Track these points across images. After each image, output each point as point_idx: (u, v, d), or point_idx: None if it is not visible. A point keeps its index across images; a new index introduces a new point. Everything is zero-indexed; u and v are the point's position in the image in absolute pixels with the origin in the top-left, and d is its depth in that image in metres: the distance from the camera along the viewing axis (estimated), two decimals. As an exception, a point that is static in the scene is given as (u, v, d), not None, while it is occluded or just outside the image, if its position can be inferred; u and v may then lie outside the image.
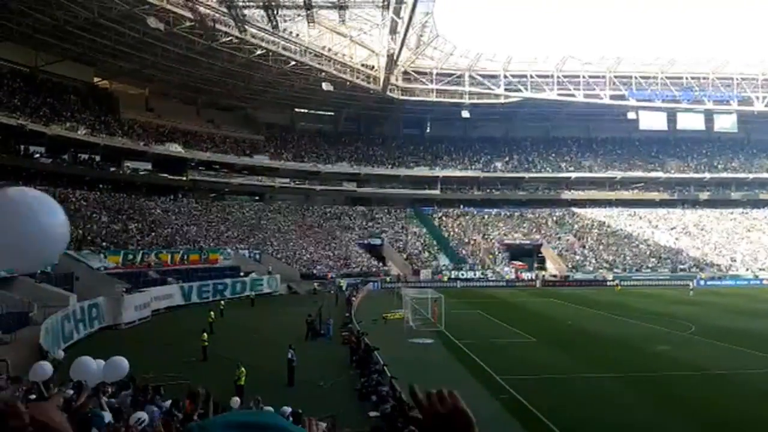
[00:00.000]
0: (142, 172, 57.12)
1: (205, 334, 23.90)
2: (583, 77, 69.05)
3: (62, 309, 26.47)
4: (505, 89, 68.91)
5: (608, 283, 57.44)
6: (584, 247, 67.21)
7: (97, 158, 53.74)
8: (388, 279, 56.68)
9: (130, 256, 41.00)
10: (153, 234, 48.43)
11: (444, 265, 61.86)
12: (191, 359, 22.04)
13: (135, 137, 56.70)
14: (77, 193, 49.14)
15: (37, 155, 48.76)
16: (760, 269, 62.03)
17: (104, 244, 41.84)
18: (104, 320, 29.74)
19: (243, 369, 17.10)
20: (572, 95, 69.26)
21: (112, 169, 54.99)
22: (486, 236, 68.53)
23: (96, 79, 59.41)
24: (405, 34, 53.38)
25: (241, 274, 47.56)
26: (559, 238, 68.66)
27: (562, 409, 15.91)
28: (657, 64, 70.07)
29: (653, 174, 75.50)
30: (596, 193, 75.38)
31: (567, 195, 75.13)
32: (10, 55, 49.96)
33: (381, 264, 61.64)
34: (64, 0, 41.50)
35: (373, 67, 63.35)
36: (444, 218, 71.88)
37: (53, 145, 49.54)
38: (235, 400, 11.96)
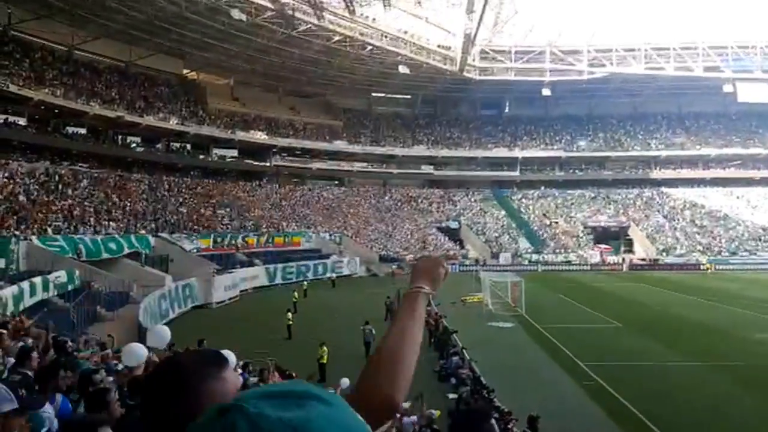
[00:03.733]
0: (229, 159, 59.78)
1: (289, 314, 24.87)
2: (674, 49, 64.95)
3: (159, 288, 28.30)
4: (589, 65, 66.05)
5: (702, 267, 54.37)
6: (675, 229, 63.81)
7: (188, 146, 56.75)
8: (467, 262, 56.33)
9: (220, 239, 43.08)
10: (240, 218, 50.60)
11: (524, 249, 60.72)
12: (277, 337, 22.97)
13: (222, 126, 59.16)
14: (170, 179, 52.03)
15: (134, 145, 52.12)
16: None
17: (195, 227, 44.18)
18: (197, 299, 31.50)
19: (325, 348, 17.65)
20: (661, 68, 65.40)
21: (202, 156, 57.92)
22: (569, 219, 66.53)
23: (185, 71, 62.27)
24: (482, 13, 52.29)
25: (331, 256, 49.06)
26: (648, 220, 65.54)
27: (650, 397, 15.33)
28: (757, 32, 64.77)
29: (753, 150, 70.06)
30: (689, 172, 71.08)
31: (656, 174, 71.37)
32: (107, 51, 53.20)
33: (459, 247, 61.35)
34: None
35: (449, 47, 62.56)
36: (524, 200, 70.34)
37: (148, 135, 52.83)
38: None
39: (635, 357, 19.99)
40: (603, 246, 61.76)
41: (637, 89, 72.56)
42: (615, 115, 75.86)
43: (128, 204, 43.05)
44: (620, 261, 58.53)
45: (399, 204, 67.26)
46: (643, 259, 59.32)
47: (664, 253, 59.43)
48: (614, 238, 64.41)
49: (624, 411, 14.44)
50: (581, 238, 63.32)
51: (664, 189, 70.18)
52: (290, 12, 48.54)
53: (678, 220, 65.22)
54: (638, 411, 14.26)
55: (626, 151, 72.54)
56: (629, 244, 64.09)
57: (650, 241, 61.80)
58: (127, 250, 33.43)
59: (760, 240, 60.35)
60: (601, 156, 72.46)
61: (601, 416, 14.24)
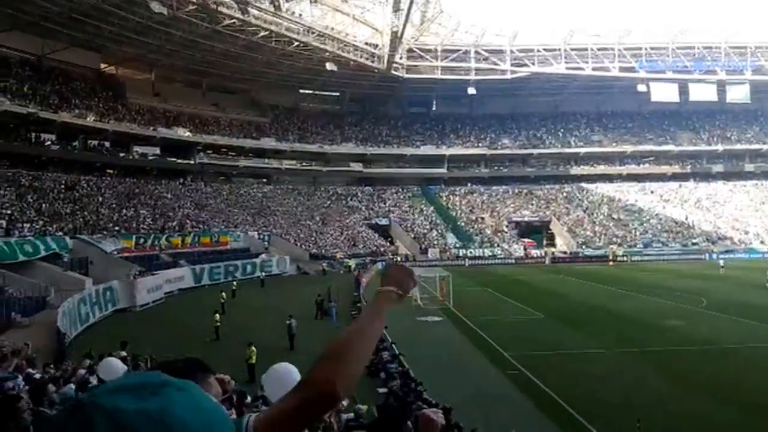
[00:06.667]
0: (150, 157, 57.52)
1: (217, 315, 24.32)
2: (592, 50, 68.24)
3: (78, 292, 26.98)
4: (512, 64, 68.28)
5: (618, 259, 57.42)
6: (594, 222, 67.03)
7: (107, 144, 54.16)
8: (399, 258, 56.90)
9: (142, 240, 41.49)
10: (164, 218, 48.91)
11: (452, 244, 62.02)
12: (204, 339, 22.43)
13: (143, 122, 56.96)
14: (88, 178, 49.63)
15: (48, 142, 49.28)
16: (774, 242, 61.40)
17: (116, 228, 42.33)
18: (119, 303, 30.25)
19: (253, 348, 17.40)
20: (580, 68, 68.52)
21: (122, 154, 55.42)
22: (494, 214, 68.50)
23: (103, 66, 59.50)
24: (409, 11, 53.01)
25: (260, 255, 48.22)
26: (569, 215, 68.49)
27: (572, 384, 15.97)
28: (668, 34, 69.02)
29: (664, 147, 74.72)
30: (606, 168, 74.88)
31: (576, 170, 74.74)
32: (17, 44, 50.05)
33: (389, 244, 61.92)
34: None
35: (377, 45, 62.96)
36: (451, 197, 71.84)
37: (63, 132, 50.08)
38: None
39: (556, 346, 20.86)
40: (527, 240, 64.05)
41: (557, 88, 75.68)
42: (537, 114, 78.76)
43: (44, 205, 40.79)
44: (543, 254, 60.87)
45: (329, 202, 67.05)
46: (564, 252, 61.98)
47: (584, 246, 62.29)
48: (537, 232, 66.97)
49: (546, 398, 15.05)
50: (506, 232, 65.36)
51: (583, 184, 73.58)
52: (214, 6, 47.33)
53: (596, 214, 68.53)
54: (559, 397, 14.90)
55: (547, 148, 75.52)
56: (551, 237, 66.82)
57: (570, 235, 64.62)
58: (43, 253, 31.72)
59: (671, 232, 64.35)
60: (524, 153, 75.09)
61: (526, 403, 14.79)
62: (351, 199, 68.66)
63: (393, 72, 65.30)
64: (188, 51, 55.45)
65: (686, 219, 66.45)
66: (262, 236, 53.18)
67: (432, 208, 69.19)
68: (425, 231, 64.65)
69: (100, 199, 47.09)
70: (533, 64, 68.16)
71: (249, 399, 10.00)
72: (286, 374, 3.12)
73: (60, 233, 36.28)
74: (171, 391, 0.74)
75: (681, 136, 76.26)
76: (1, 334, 20.11)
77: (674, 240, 63.01)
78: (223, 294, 30.76)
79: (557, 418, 13.66)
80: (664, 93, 71.20)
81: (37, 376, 9.92)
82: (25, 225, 35.81)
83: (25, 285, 26.59)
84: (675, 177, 74.22)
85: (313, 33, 56.32)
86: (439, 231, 64.79)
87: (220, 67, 60.81)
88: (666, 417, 13.33)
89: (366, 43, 62.34)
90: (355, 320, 1.52)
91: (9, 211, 36.93)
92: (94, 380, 9.67)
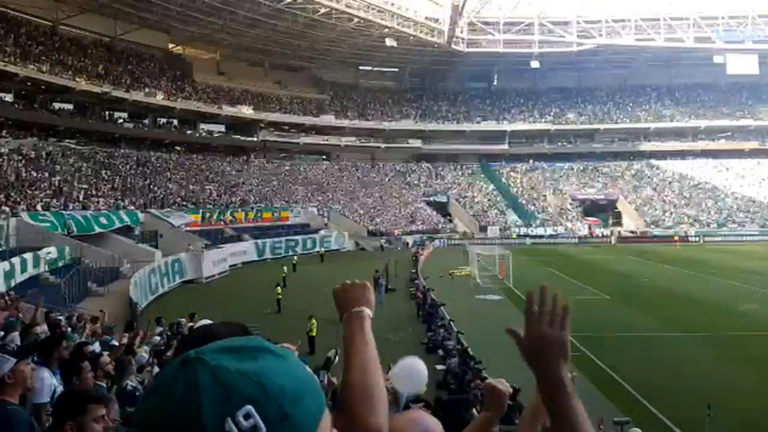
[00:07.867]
0: (216, 134, 59.32)
1: (278, 288, 24.97)
2: (664, 19, 64.61)
3: (149, 264, 28.26)
4: (578, 36, 65.64)
5: (691, 239, 54.85)
6: (664, 201, 64.25)
7: (175, 122, 56.18)
8: (457, 236, 56.51)
9: (208, 215, 43.00)
10: (228, 193, 50.37)
11: (513, 222, 60.97)
12: (266, 311, 23.06)
13: (208, 101, 58.51)
14: (158, 155, 51.63)
15: (121, 120, 51.56)
16: None
17: (184, 203, 43.94)
18: (186, 274, 31.50)
19: (314, 321, 17.73)
20: (651, 39, 65.12)
21: (189, 131, 57.35)
22: (557, 192, 66.76)
23: (170, 46, 61.28)
24: (471, -16, 51.70)
25: (319, 231, 49.12)
26: (637, 193, 65.91)
27: (636, 368, 15.50)
28: (748, 1, 64.33)
29: (742, 122, 70.33)
30: (678, 144, 71.32)
31: (646, 147, 71.54)
32: (92, 26, 52.36)
33: (447, 221, 61.52)
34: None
35: (437, 19, 61.90)
36: (512, 173, 70.41)
37: (134, 111, 52.26)
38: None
39: (622, 328, 20.24)
40: (591, 219, 62.15)
41: (626, 61, 72.38)
42: (604, 87, 75.68)
43: (116, 180, 42.74)
44: (608, 233, 58.91)
45: (387, 178, 67.13)
46: (632, 232, 59.75)
47: (652, 226, 59.90)
48: (603, 210, 64.85)
49: (609, 381, 14.66)
50: (570, 211, 63.65)
51: (653, 161, 70.49)
52: (275, -17, 47.66)
53: (666, 192, 65.64)
54: (625, 381, 14.45)
55: (615, 123, 72.58)
56: (618, 216, 64.55)
57: (639, 214, 62.24)
58: (117, 225, 33.39)
59: (748, 212, 60.95)
60: (590, 128, 72.48)
61: (588, 386, 14.41)
62: (409, 176, 68.48)
63: (453, 46, 64.10)
64: (252, 30, 56.28)
65: (765, 198, 62.66)
66: (321, 212, 53.99)
67: (492, 185, 68.09)
68: (485, 208, 63.81)
69: (169, 174, 48.91)
70: (600, 35, 65.30)
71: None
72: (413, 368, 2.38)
73: (132, 207, 37.97)
74: (270, 357, 0.81)
75: (760, 111, 71.45)
76: (79, 303, 21.37)
77: (751, 220, 59.62)
78: (285, 268, 31.52)
79: (624, 402, 13.25)
80: (742, 65, 66.72)
81: (114, 343, 10.44)
82: (100, 199, 37.64)
83: (100, 256, 28.01)
84: (753, 153, 69.71)
85: (373, 9, 55.97)
86: (500, 209, 63.79)
87: (282, 45, 61.45)
88: (739, 405, 12.73)
89: (426, 18, 61.41)
90: (351, 353, 1.47)
91: (85, 186, 38.89)
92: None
